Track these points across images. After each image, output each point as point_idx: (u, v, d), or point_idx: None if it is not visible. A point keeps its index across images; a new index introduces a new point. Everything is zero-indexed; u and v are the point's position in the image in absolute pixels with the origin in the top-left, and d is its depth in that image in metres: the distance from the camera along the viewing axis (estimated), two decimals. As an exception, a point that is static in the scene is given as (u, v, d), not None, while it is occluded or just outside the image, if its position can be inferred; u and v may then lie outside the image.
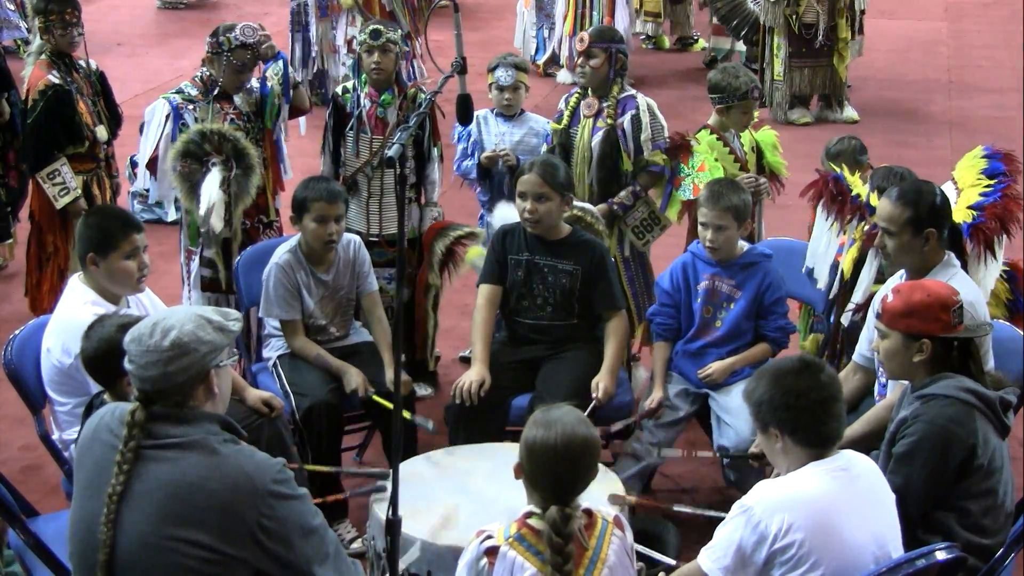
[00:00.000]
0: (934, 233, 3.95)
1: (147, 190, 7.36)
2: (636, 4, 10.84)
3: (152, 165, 5.24)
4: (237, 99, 5.27)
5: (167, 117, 5.20)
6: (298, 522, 2.85)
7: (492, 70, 5.55)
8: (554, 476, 2.97)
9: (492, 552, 2.96)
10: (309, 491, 2.96)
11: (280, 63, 5.27)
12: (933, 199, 3.99)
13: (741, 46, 10.40)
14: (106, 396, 3.59)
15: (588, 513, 3.02)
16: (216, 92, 5.22)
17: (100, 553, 2.79)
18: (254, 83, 5.37)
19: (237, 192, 5.08)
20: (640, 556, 3.23)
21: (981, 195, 4.51)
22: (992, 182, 4.59)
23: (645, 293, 5.37)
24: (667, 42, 11.49)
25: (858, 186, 4.67)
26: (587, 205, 5.10)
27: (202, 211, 5.02)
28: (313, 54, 9.14)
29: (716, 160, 5.19)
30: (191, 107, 5.21)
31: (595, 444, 3.03)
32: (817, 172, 4.86)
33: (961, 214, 4.42)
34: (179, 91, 5.26)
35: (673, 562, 3.46)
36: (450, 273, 5.47)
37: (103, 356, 3.51)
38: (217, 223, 5.02)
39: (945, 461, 3.42)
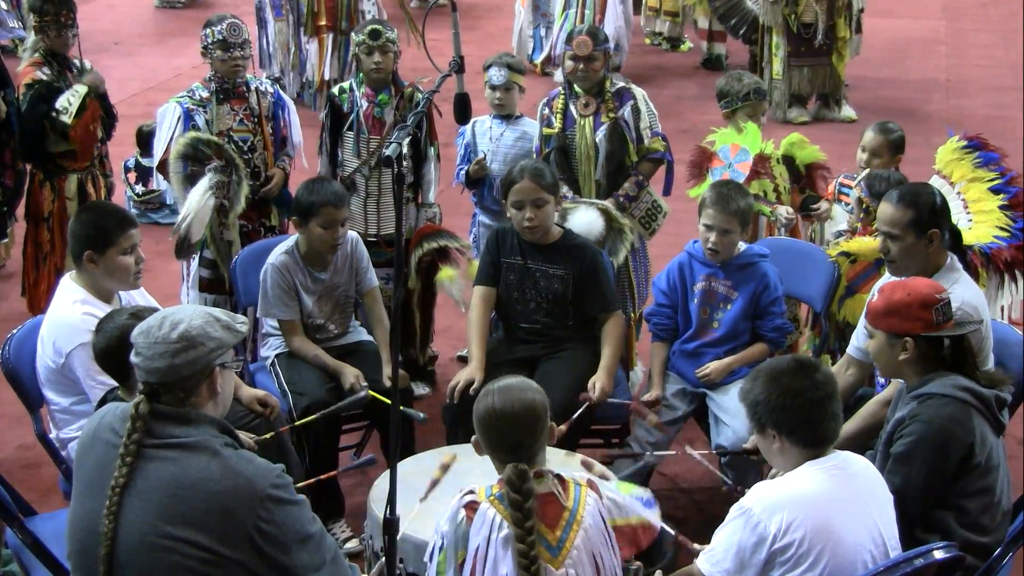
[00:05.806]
0: (937, 234, 3.93)
1: (151, 191, 7.43)
2: (655, 3, 11.08)
3: (163, 167, 5.21)
4: (252, 99, 5.27)
5: (178, 119, 5.17)
6: (296, 528, 2.84)
7: (486, 68, 5.54)
8: (500, 434, 3.05)
9: (471, 507, 3.00)
10: (307, 481, 2.93)
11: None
12: (933, 200, 3.97)
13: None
14: (120, 392, 3.55)
15: (560, 479, 3.05)
16: (220, 90, 5.19)
17: (101, 547, 2.79)
18: (267, 86, 5.38)
19: (232, 198, 5.06)
20: (639, 555, 3.22)
21: (991, 190, 4.52)
22: (994, 175, 4.60)
23: (646, 283, 5.38)
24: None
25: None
26: (603, 202, 5.08)
27: (180, 216, 4.99)
28: (271, 50, 9.14)
29: (741, 133, 5.21)
30: (202, 109, 5.19)
31: (534, 398, 3.08)
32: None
33: (994, 216, 4.42)
34: (189, 93, 5.24)
35: (672, 532, 3.42)
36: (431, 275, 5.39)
37: (117, 347, 3.45)
38: (196, 231, 4.98)
39: (944, 460, 3.41)
